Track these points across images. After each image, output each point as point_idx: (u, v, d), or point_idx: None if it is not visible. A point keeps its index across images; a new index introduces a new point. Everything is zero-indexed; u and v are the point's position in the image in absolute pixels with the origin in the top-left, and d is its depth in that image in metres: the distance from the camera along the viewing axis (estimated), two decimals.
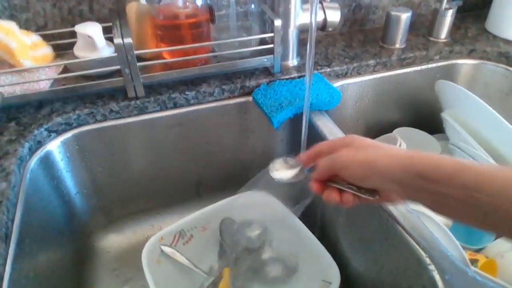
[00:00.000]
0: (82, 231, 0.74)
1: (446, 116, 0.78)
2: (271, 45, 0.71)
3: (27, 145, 0.59)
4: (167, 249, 0.67)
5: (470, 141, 0.72)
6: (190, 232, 0.70)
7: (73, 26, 0.67)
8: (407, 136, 0.84)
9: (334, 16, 0.75)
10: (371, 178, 0.39)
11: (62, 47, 0.72)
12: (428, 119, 0.91)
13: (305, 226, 0.67)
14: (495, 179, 0.33)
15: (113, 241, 0.77)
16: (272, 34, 0.70)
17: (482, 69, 0.88)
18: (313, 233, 0.66)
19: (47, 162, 0.63)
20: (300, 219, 0.68)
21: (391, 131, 0.89)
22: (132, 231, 0.79)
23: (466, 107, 0.75)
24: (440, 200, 0.36)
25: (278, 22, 0.69)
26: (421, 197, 0.37)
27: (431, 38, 0.89)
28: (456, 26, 0.94)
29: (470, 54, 0.87)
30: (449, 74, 0.88)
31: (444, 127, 0.80)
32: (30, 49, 0.65)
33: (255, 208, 0.74)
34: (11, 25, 0.64)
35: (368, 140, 0.42)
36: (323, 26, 0.76)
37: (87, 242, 0.75)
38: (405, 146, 0.79)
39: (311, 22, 0.52)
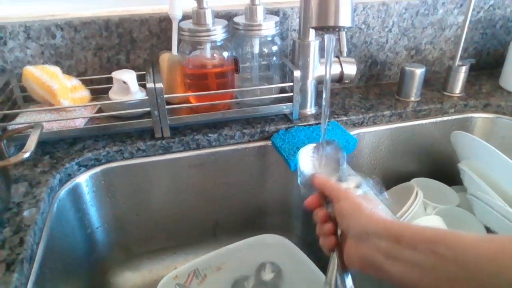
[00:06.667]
0: (100, 266, 0.75)
1: (463, 166, 0.79)
2: (291, 94, 0.76)
3: (58, 176, 0.63)
4: None
5: (488, 191, 0.72)
6: (205, 271, 0.71)
7: (110, 73, 0.74)
8: (425, 186, 0.84)
9: (350, 69, 0.80)
10: (353, 217, 0.41)
11: (99, 91, 0.78)
12: (444, 170, 0.91)
13: (318, 269, 0.66)
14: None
15: (128, 278, 0.78)
16: (291, 84, 0.75)
17: (498, 123, 0.89)
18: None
19: (74, 194, 0.66)
20: (314, 262, 0.67)
21: (408, 181, 0.89)
22: (148, 270, 0.80)
23: (482, 157, 0.75)
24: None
25: (297, 73, 0.74)
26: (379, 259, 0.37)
27: (446, 93, 0.92)
28: (470, 82, 0.97)
29: (484, 108, 0.90)
30: (465, 127, 0.89)
31: (462, 177, 0.80)
32: (70, 91, 0.71)
33: (270, 250, 0.74)
34: (56, 70, 0.71)
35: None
36: (340, 78, 0.80)
37: (104, 277, 0.76)
38: (422, 195, 0.79)
39: (327, 61, 0.56)
